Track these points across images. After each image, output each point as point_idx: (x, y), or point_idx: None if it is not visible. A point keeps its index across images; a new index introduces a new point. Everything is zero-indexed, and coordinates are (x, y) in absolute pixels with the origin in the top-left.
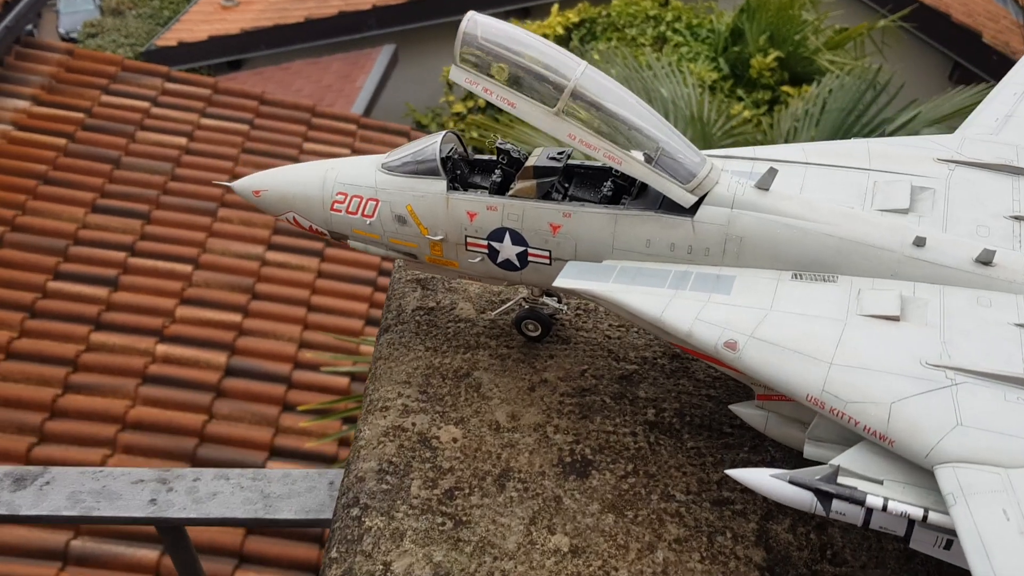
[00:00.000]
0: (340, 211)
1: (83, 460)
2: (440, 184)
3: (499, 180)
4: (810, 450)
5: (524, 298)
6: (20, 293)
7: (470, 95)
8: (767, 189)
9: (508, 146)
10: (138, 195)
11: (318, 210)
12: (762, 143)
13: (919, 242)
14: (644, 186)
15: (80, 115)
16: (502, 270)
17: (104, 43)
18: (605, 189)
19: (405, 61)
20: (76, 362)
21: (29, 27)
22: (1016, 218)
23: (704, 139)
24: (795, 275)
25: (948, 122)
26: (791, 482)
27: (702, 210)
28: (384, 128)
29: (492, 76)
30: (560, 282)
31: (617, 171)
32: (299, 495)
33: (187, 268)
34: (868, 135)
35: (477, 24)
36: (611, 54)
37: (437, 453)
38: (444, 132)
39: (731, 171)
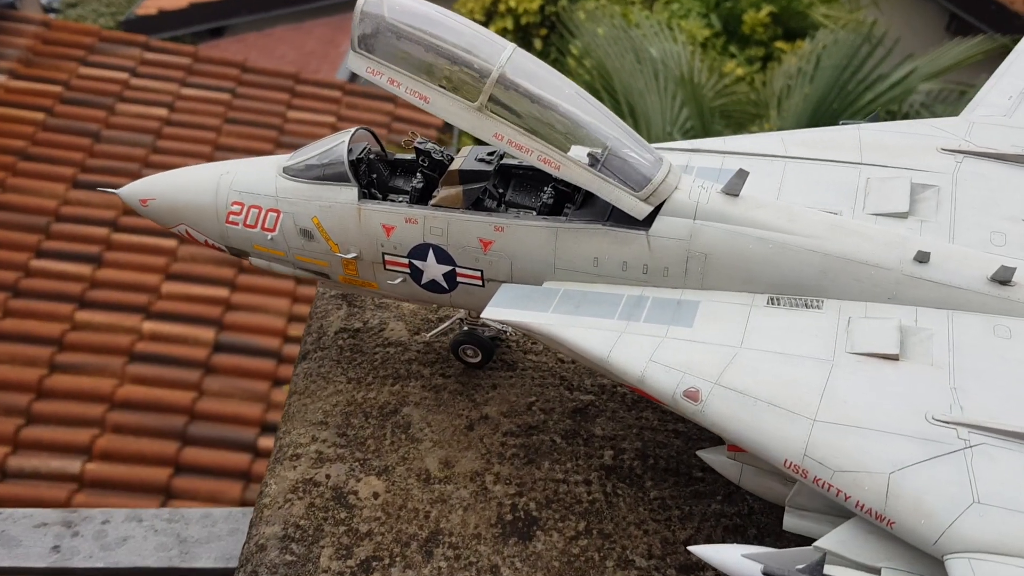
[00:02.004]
0: (237, 224)
1: (72, 441)
2: (350, 192)
3: (421, 186)
4: (791, 521)
5: (462, 318)
6: (2, 273)
7: None
8: (736, 195)
9: (429, 146)
10: (120, 169)
11: (212, 222)
12: (755, 102)
13: (921, 257)
14: (591, 192)
15: (58, 88)
16: (428, 292)
17: (85, 12)
18: (545, 196)
19: None
20: (61, 342)
21: None
22: None
23: (695, 100)
24: (771, 300)
25: (946, 76)
26: (766, 574)
27: (659, 222)
28: (370, 94)
29: (400, 65)
30: (490, 312)
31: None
32: (219, 539)
33: (172, 242)
34: (864, 91)
35: (381, 0)
36: (598, 13)
37: (354, 512)
38: (355, 128)
39: (695, 170)
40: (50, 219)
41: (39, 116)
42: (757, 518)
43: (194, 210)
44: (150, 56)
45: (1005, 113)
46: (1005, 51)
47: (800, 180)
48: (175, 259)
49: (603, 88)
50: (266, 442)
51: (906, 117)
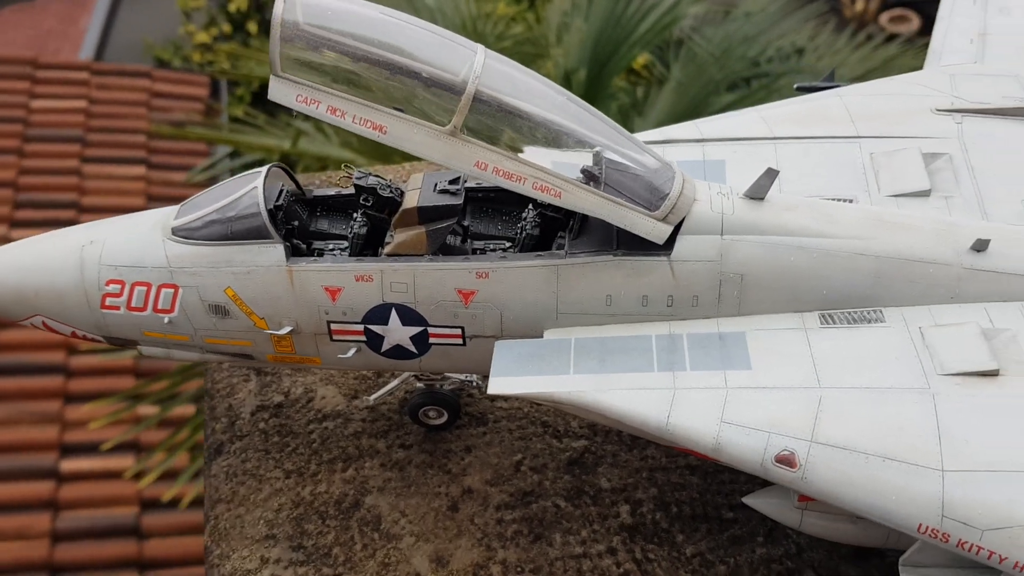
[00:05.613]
0: (118, 308)
1: None
2: (274, 251)
3: (364, 231)
4: None
5: (414, 374)
6: None
7: (216, 19)
8: (763, 198)
9: (372, 180)
10: None
11: (81, 310)
12: (533, 41)
13: (980, 246)
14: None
15: None
16: (392, 360)
17: None
18: (527, 225)
19: None
20: None
21: None
22: None
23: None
24: (824, 318)
25: None
26: None
27: (681, 243)
28: (121, 71)
29: (340, 88)
30: (496, 387)
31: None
32: None
33: None
34: (640, 22)
35: (296, 5)
36: None
37: None
38: (267, 167)
39: (680, 163)
40: None
41: None
42: (808, 556)
43: (52, 296)
44: None
45: (975, 59)
46: None
47: (798, 164)
48: None
49: None
50: (69, 465)
51: (679, 43)
